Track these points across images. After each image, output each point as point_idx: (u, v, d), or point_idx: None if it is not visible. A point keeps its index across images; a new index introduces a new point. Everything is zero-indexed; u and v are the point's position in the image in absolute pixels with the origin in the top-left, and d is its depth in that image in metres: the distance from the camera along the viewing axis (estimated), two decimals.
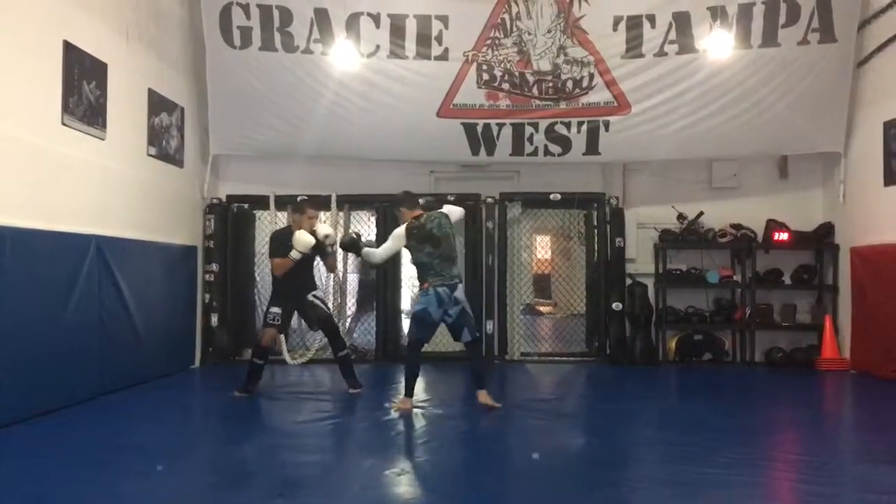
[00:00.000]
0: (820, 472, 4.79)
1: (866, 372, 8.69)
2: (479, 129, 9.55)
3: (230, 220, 9.93)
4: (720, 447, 5.33)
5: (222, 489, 4.44)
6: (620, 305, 9.67)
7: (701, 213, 9.86)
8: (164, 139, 8.70)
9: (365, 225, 10.52)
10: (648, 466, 5.11)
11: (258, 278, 10.29)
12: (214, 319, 9.65)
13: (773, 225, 9.76)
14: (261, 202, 10.06)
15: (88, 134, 7.00)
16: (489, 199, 9.89)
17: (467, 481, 4.62)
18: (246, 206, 10.12)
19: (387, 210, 10.01)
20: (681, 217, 9.89)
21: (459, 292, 6.60)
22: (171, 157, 8.91)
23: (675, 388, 8.68)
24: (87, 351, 6.80)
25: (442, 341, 9.99)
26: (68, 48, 6.66)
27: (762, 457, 5.38)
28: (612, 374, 9.12)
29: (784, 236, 9.69)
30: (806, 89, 9.16)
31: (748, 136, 9.39)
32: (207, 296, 9.68)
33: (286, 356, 9.58)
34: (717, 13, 9.03)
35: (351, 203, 10.16)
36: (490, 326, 9.70)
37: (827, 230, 9.74)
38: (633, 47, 9.25)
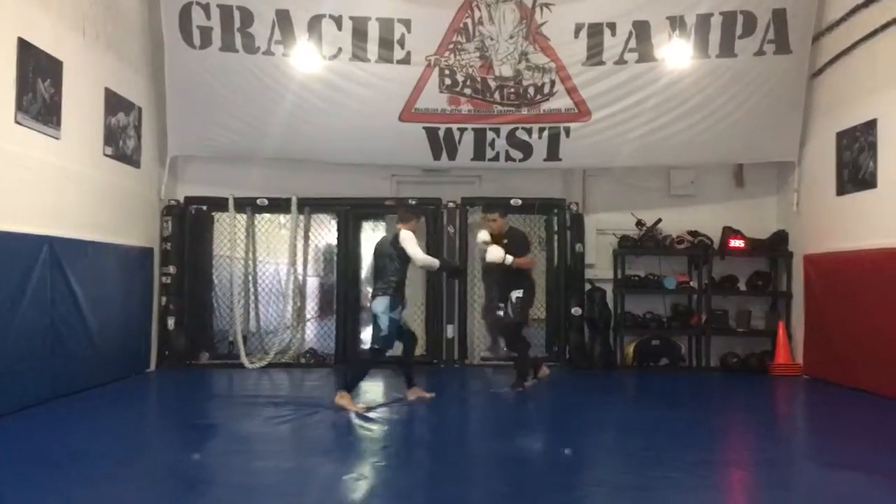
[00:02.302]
0: (775, 477, 4.88)
1: (818, 377, 8.87)
2: (441, 133, 9.56)
3: (188, 222, 9.80)
4: (677, 451, 5.40)
5: (176, 496, 4.37)
6: (580, 310, 9.74)
7: (659, 220, 9.99)
8: (120, 139, 8.56)
9: (325, 228, 10.46)
10: (606, 471, 5.14)
11: (216, 281, 10.18)
12: (171, 323, 9.51)
13: (728, 232, 9.92)
14: (219, 204, 9.95)
15: (43, 133, 6.86)
16: (451, 204, 9.91)
17: (425, 486, 4.62)
18: (204, 207, 9.99)
19: (348, 214, 9.99)
20: (639, 223, 10.00)
21: (375, 303, 6.94)
22: (128, 158, 8.77)
23: (633, 392, 8.76)
24: (38, 354, 6.64)
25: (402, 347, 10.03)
26: (23, 45, 6.52)
27: (718, 461, 5.47)
28: (572, 378, 9.18)
29: (740, 243, 9.85)
30: (761, 99, 9.34)
31: (705, 145, 9.54)
32: (164, 299, 9.54)
33: (244, 360, 9.49)
34: (676, 23, 9.16)
35: (312, 206, 10.09)
36: (451, 331, 9.72)
37: (781, 238, 9.93)
38: (594, 55, 9.34)
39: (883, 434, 6.20)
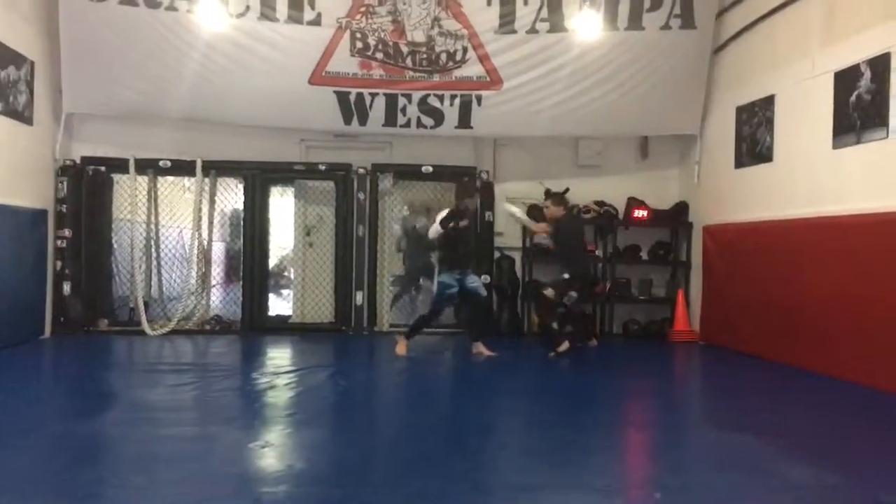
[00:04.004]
0: (671, 438, 5.08)
1: (713, 343, 9.25)
2: (352, 98, 9.43)
3: (85, 184, 9.39)
4: (579, 414, 5.57)
5: (70, 466, 4.21)
6: (489, 278, 9.83)
7: (567, 190, 10.11)
8: (10, 94, 8.09)
9: (232, 193, 10.19)
10: (510, 434, 5.25)
11: (116, 245, 9.82)
12: (67, 288, 9.14)
13: (633, 203, 10.19)
14: (119, 166, 9.56)
15: None
16: (361, 170, 9.81)
17: (332, 454, 4.58)
18: (103, 168, 9.58)
19: (255, 178, 9.76)
20: (548, 193, 10.11)
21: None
22: (20, 114, 8.31)
23: (539, 358, 8.92)
24: None
25: (310, 314, 9.97)
26: None
27: (619, 423, 5.64)
28: None
29: (643, 214, 10.13)
30: (667, 73, 9.55)
31: (613, 116, 9.71)
32: (59, 263, 9.14)
33: (145, 327, 9.21)
34: None
35: (218, 169, 9.82)
36: (360, 298, 9.67)
37: (682, 209, 10.25)
38: (507, 23, 9.33)
39: (771, 397, 6.52)
